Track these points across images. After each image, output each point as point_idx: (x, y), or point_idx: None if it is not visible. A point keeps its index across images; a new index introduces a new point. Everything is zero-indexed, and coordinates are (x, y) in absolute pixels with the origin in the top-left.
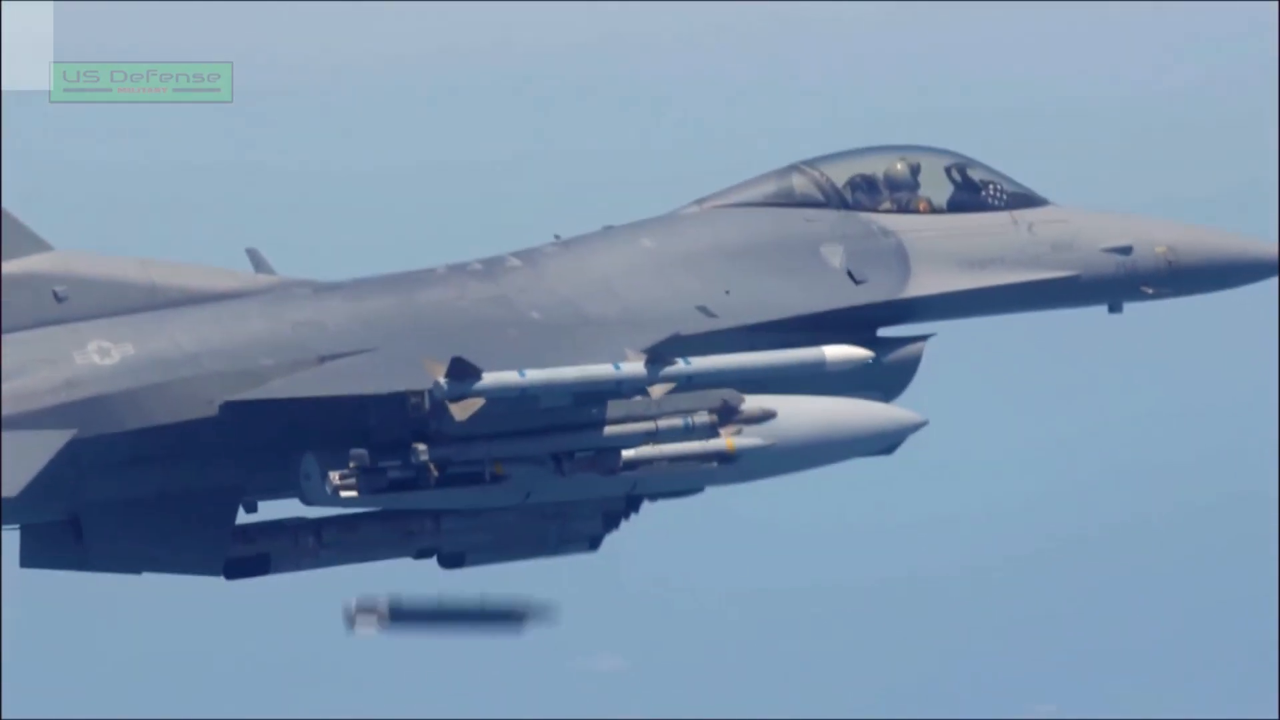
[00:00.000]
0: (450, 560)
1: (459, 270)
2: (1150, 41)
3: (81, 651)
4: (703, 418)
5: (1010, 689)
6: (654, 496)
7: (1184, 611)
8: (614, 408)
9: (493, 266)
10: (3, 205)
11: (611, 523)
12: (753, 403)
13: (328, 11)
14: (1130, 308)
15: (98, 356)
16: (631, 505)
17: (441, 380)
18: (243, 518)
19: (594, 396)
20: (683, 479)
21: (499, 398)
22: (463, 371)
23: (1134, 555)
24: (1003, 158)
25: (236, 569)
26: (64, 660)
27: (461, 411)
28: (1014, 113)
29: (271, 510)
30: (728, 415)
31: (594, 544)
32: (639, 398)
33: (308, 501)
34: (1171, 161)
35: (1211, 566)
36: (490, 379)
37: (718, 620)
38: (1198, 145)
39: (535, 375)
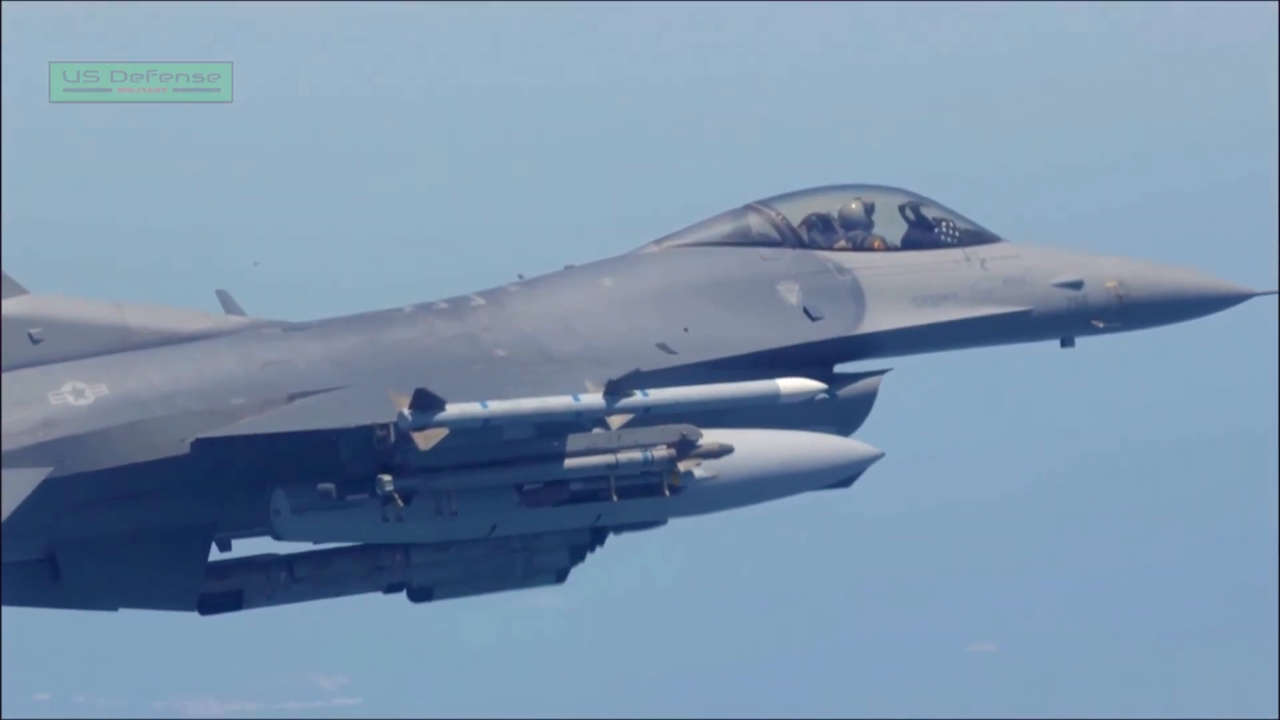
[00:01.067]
0: (419, 594)
1: (425, 309)
2: (1150, 41)
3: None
4: (661, 451)
5: (952, 627)
6: (618, 529)
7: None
8: (575, 440)
9: (458, 305)
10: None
11: (578, 555)
12: (710, 437)
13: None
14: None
15: (72, 397)
16: (597, 538)
17: (406, 411)
18: (217, 556)
19: (555, 428)
20: (643, 511)
21: (462, 429)
22: (426, 403)
23: (1105, 495)
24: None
25: (210, 604)
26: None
27: (425, 441)
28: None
29: (247, 548)
30: (685, 449)
31: (560, 577)
32: (599, 431)
33: (278, 536)
34: (1171, 161)
35: (1176, 510)
36: (453, 409)
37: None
38: (1197, 145)
39: (497, 406)
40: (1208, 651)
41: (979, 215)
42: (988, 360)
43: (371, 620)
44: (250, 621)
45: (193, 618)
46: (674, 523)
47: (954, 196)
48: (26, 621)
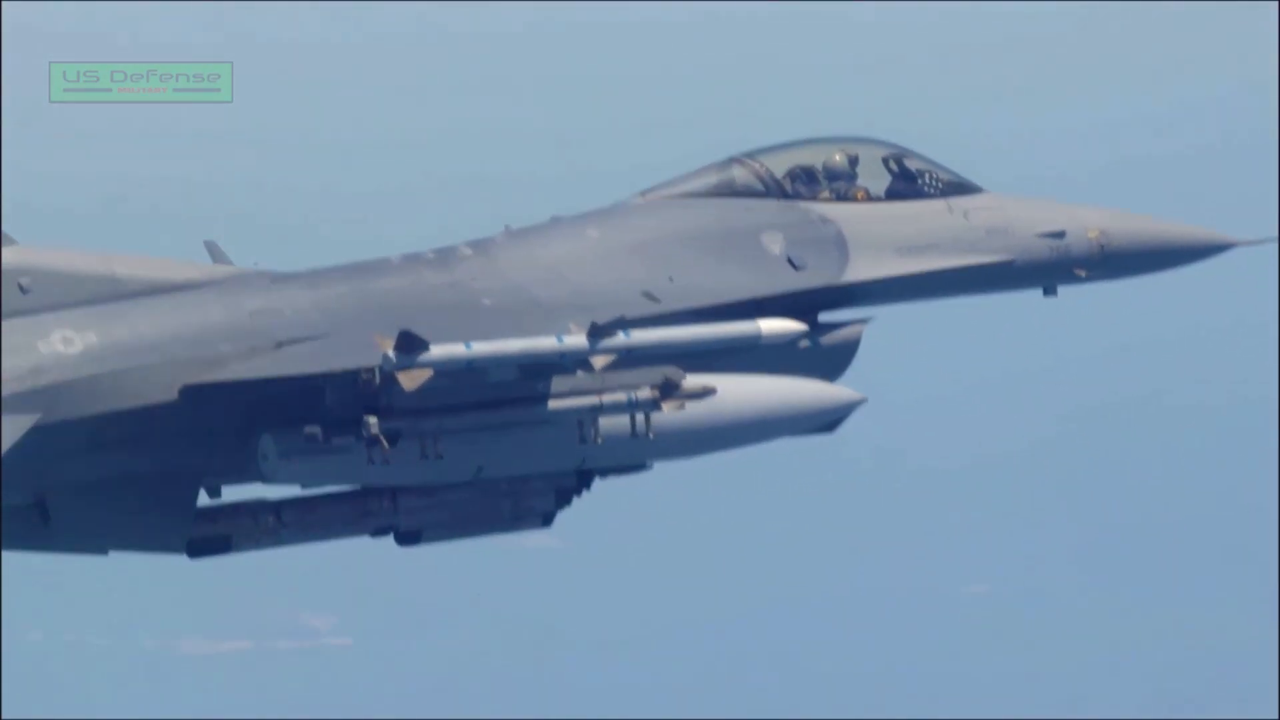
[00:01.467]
0: (407, 538)
1: (413, 259)
2: (1150, 41)
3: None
4: (645, 393)
5: (945, 572)
6: (604, 472)
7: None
8: (559, 382)
9: (446, 255)
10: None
11: (564, 499)
12: (694, 380)
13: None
14: None
15: (62, 345)
16: (583, 481)
17: (390, 353)
18: (206, 501)
19: (539, 370)
20: (627, 454)
21: (446, 370)
22: (410, 344)
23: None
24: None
25: (199, 548)
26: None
27: (410, 382)
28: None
29: (237, 493)
30: (669, 390)
31: (547, 520)
32: (583, 373)
33: (266, 480)
34: (1171, 160)
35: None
36: (437, 350)
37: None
38: (1197, 144)
39: (481, 347)
40: (1202, 596)
41: (963, 168)
42: (984, 311)
43: (361, 561)
44: (241, 562)
45: (182, 559)
46: (674, 469)
47: (939, 150)
48: (18, 563)
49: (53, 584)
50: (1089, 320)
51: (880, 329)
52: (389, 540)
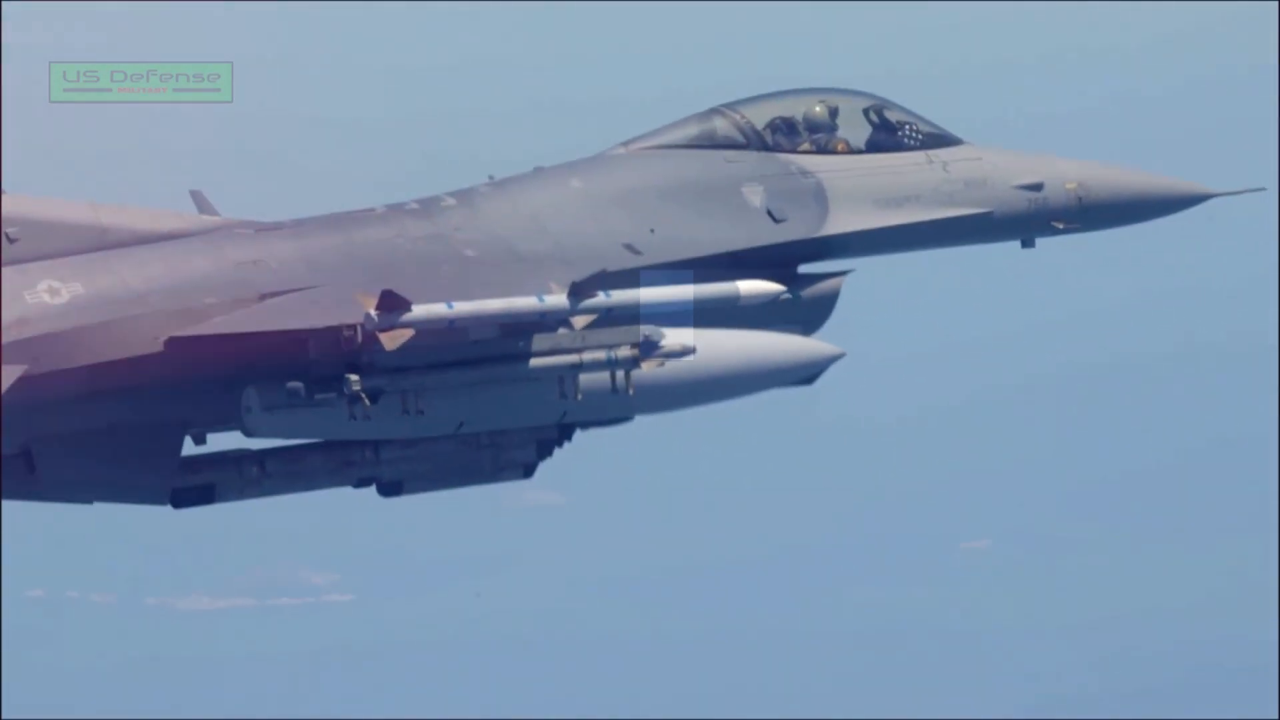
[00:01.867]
0: (389, 489)
1: (397, 210)
2: (1150, 41)
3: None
4: (625, 351)
5: (946, 525)
6: (585, 425)
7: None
8: (540, 340)
9: (429, 206)
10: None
11: (545, 450)
12: (673, 337)
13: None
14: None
15: (48, 296)
16: (564, 434)
17: (372, 312)
18: (192, 449)
19: (520, 329)
20: (608, 408)
21: (428, 329)
22: (392, 304)
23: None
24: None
25: (183, 498)
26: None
27: (391, 341)
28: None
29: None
30: (649, 349)
31: (528, 472)
32: (564, 331)
33: (249, 433)
34: (1171, 160)
35: (1173, 412)
36: (419, 310)
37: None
38: (1197, 145)
39: (462, 307)
40: (1203, 547)
41: (942, 118)
42: (977, 261)
43: (361, 518)
44: (241, 518)
45: (180, 514)
46: (671, 424)
47: (917, 98)
48: (19, 519)
49: (54, 541)
50: (1083, 266)
51: (874, 278)
52: (390, 497)
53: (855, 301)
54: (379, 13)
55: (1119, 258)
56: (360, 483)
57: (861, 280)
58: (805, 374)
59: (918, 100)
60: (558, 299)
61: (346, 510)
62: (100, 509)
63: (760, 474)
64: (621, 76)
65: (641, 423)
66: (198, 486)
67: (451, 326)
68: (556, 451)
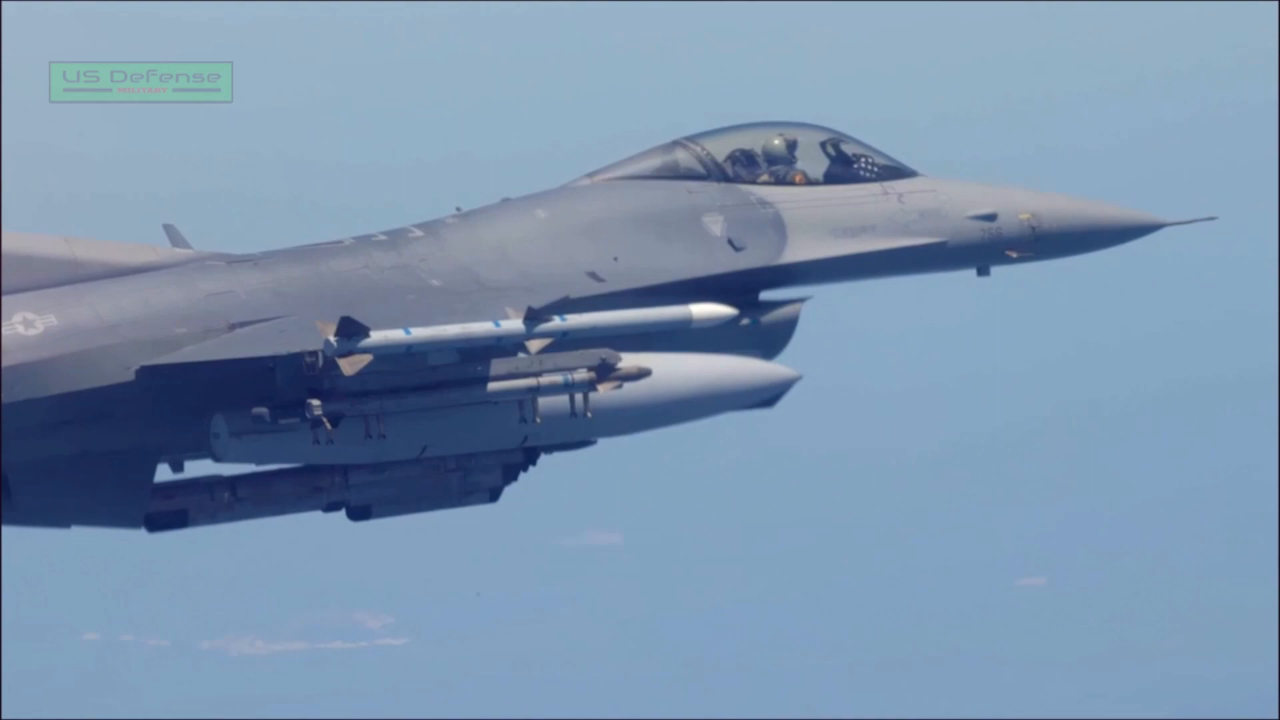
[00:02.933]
0: (358, 513)
1: (364, 241)
2: (1151, 41)
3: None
4: (582, 374)
5: (998, 561)
6: (549, 449)
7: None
8: (498, 365)
9: (396, 237)
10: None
11: (511, 474)
12: (630, 361)
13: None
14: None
15: (22, 327)
16: (529, 458)
17: (331, 339)
18: (166, 475)
19: (478, 353)
20: (569, 431)
21: (386, 354)
22: (351, 330)
23: (1127, 432)
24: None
25: (157, 523)
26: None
27: (350, 367)
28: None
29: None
30: (605, 372)
31: (494, 495)
32: (522, 355)
33: (218, 458)
34: (1171, 160)
35: (1204, 446)
36: (377, 336)
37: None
38: (1197, 143)
39: (420, 332)
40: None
41: (899, 153)
42: (989, 295)
43: (415, 561)
44: (295, 562)
45: (230, 556)
46: (723, 464)
47: (876, 136)
48: (73, 565)
49: (109, 586)
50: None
51: (894, 306)
52: (359, 521)
53: (882, 335)
54: (379, 13)
55: (1139, 291)
56: (330, 507)
57: (884, 311)
58: (763, 396)
59: (878, 136)
60: (513, 323)
61: (401, 550)
62: (156, 550)
63: (810, 511)
64: (583, 113)
65: (696, 466)
66: (171, 511)
67: (409, 351)
68: (522, 476)
